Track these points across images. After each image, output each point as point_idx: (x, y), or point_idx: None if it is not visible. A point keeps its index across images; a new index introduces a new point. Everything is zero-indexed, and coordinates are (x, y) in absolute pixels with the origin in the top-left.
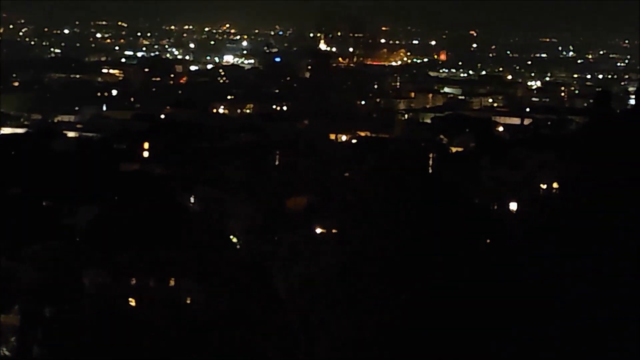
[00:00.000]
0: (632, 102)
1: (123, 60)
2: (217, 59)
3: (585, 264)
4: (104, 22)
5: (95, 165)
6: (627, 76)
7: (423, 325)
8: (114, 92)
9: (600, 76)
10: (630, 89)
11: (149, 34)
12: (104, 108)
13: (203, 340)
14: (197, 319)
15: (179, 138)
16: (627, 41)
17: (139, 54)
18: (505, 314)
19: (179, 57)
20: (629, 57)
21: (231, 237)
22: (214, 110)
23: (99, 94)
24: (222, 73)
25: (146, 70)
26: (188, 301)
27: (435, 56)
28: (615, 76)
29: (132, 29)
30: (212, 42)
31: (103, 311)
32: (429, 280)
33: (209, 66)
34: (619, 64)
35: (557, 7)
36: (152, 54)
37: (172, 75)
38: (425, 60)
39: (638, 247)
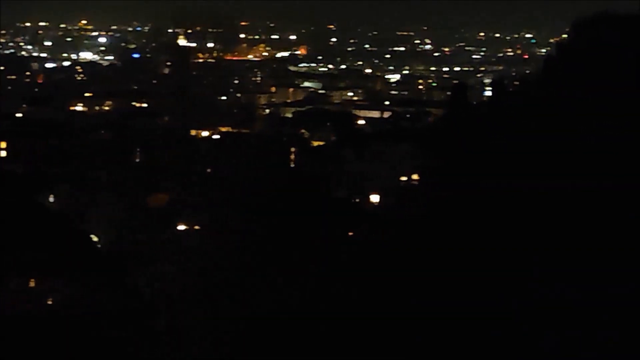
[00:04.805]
0: (488, 93)
1: None
2: (74, 56)
3: (444, 254)
4: None
5: None
6: (482, 68)
7: (288, 321)
8: None
9: (457, 68)
10: (486, 80)
11: (3, 31)
12: None
13: (65, 340)
14: (59, 320)
15: (37, 136)
16: (482, 34)
17: None
18: (367, 305)
19: (35, 54)
20: (484, 49)
21: (92, 235)
22: (72, 108)
23: None
24: (80, 70)
25: (1, 68)
26: (50, 302)
27: (295, 50)
28: (472, 68)
29: None
30: (69, 39)
31: None
32: (292, 275)
33: (66, 63)
34: (474, 57)
35: (413, 1)
36: (7, 52)
37: (28, 73)
38: (285, 54)
39: (495, 235)
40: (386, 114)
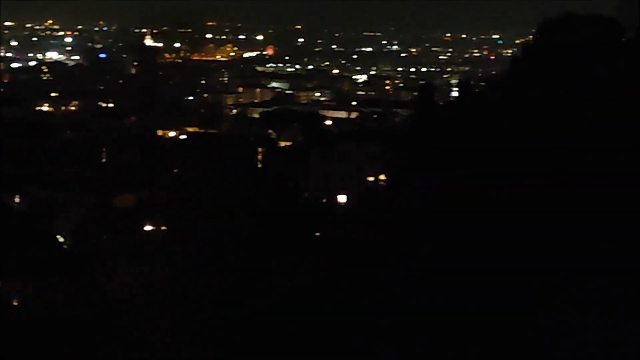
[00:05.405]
0: (454, 94)
1: None
2: (40, 56)
3: (413, 253)
4: None
5: None
6: (449, 69)
7: (261, 321)
8: None
9: (424, 69)
10: (453, 81)
11: None
12: None
13: (30, 341)
14: (24, 320)
15: (2, 136)
16: (448, 35)
17: None
18: (336, 305)
19: (1, 54)
20: (451, 50)
21: (58, 236)
22: (38, 108)
23: None
24: (46, 70)
25: None
26: (15, 303)
27: (262, 51)
28: (438, 69)
29: None
30: (35, 39)
31: None
32: (259, 274)
33: (32, 63)
34: (441, 57)
35: (380, 1)
36: None
37: None
38: (253, 55)
39: (461, 231)
40: (353, 115)
